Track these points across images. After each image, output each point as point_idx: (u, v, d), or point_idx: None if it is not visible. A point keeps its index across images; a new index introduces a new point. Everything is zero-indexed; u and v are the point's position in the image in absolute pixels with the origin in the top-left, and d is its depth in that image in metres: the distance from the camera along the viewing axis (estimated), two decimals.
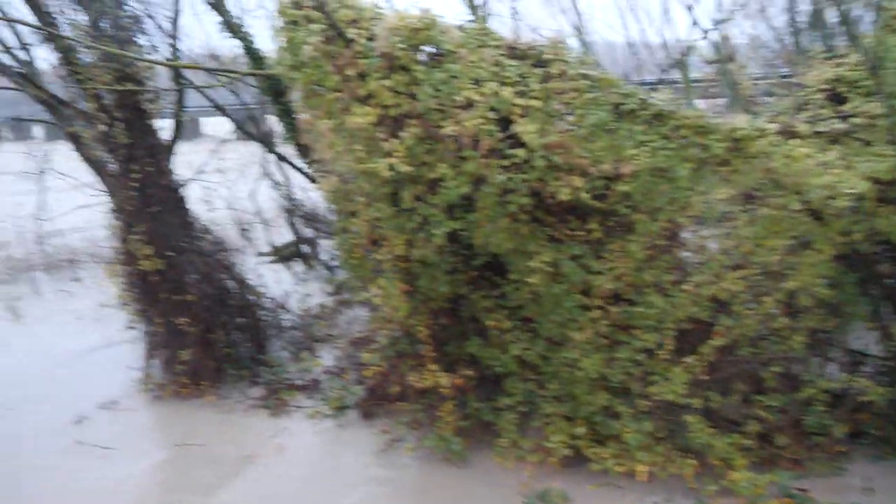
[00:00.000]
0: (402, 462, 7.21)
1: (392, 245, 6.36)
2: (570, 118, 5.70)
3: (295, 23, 5.52)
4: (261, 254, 13.61)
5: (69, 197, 12.47)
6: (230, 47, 11.86)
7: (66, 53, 8.56)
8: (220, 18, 10.03)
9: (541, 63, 5.80)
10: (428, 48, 5.59)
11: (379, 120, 5.47)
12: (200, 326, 8.89)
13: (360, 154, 5.35)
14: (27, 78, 10.08)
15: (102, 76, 8.33)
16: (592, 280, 6.09)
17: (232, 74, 9.95)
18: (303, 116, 5.67)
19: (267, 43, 10.76)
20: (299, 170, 11.91)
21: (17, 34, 10.76)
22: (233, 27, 10.00)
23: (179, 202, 9.15)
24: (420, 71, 5.48)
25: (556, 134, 5.59)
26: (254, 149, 13.30)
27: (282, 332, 10.08)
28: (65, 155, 12.19)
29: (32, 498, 7.14)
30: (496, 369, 6.94)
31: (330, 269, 13.46)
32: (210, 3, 9.92)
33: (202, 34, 21.44)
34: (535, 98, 5.64)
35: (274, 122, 13.19)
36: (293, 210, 13.22)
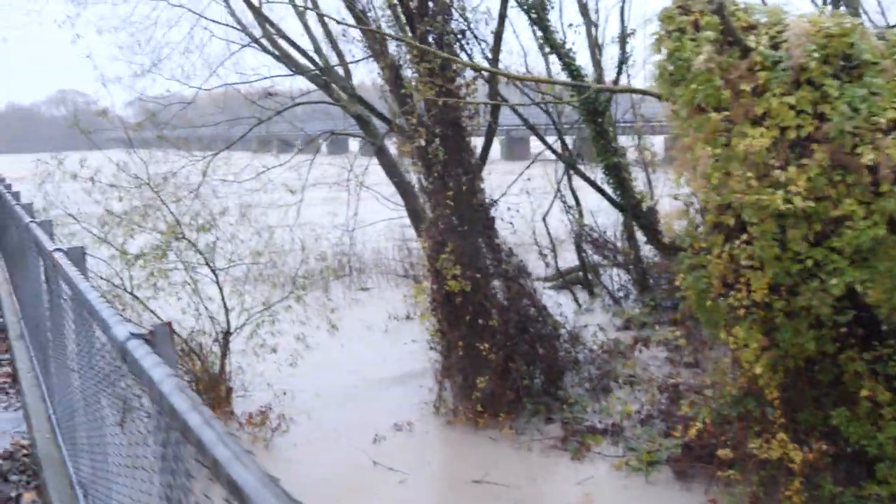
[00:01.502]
0: None
1: (753, 289, 5.43)
2: None
3: (681, 30, 4.79)
4: (544, 278, 13.07)
5: (365, 209, 12.76)
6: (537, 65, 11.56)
7: (393, 69, 8.60)
8: (540, 34, 9.65)
9: None
10: (841, 59, 4.61)
11: (773, 143, 4.58)
12: (501, 354, 8.44)
13: (750, 182, 4.49)
14: (350, 92, 10.38)
15: (426, 91, 8.22)
16: None
17: (590, 89, 9.05)
18: (681, 138, 4.91)
19: (585, 59, 10.22)
20: (604, 194, 11.10)
21: (338, 52, 11.17)
22: (554, 43, 9.55)
23: (488, 223, 8.84)
24: (832, 86, 4.51)
25: None
26: (550, 170, 12.84)
27: (577, 366, 9.40)
28: (364, 170, 12.49)
29: None
30: (866, 449, 5.72)
31: (616, 300, 12.64)
32: (532, 19, 9.55)
33: (518, 50, 21.47)
34: None
35: (569, 143, 12.69)
36: (583, 235, 12.55)
